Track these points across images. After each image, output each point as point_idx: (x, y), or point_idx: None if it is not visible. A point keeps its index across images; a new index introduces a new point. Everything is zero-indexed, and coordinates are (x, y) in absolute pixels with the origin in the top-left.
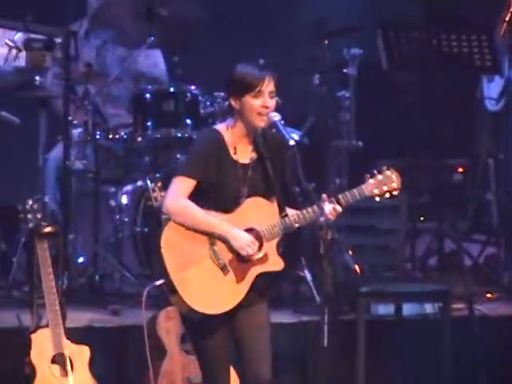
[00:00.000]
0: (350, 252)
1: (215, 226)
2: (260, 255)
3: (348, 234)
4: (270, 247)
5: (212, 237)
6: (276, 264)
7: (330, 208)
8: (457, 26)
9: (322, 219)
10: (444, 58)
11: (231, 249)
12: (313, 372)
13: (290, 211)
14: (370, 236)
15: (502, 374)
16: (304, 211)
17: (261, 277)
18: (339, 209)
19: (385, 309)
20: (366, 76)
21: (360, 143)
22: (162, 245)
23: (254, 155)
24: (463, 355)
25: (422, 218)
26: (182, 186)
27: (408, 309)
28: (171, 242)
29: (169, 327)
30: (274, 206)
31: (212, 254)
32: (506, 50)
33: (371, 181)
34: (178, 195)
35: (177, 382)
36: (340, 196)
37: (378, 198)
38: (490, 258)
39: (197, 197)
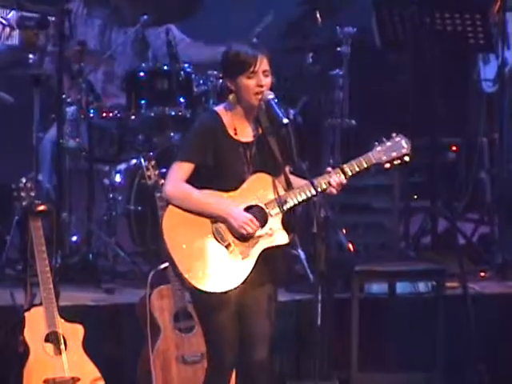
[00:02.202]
0: (344, 231)
1: (213, 208)
2: (264, 231)
3: (342, 212)
4: (275, 222)
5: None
6: (281, 238)
7: (336, 180)
8: (450, 4)
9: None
10: (437, 37)
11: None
12: (306, 350)
13: (298, 183)
14: (363, 215)
15: (495, 351)
16: (310, 181)
17: (268, 253)
18: (344, 180)
19: (378, 287)
20: (360, 54)
21: (353, 122)
22: (163, 229)
23: (257, 133)
24: (456, 333)
25: (415, 197)
26: (179, 171)
27: (401, 287)
28: (173, 226)
29: (162, 305)
30: (278, 180)
31: (215, 232)
32: (500, 28)
33: (379, 148)
34: (176, 180)
35: (171, 361)
36: (345, 166)
37: (387, 165)
38: (483, 237)
39: (201, 180)
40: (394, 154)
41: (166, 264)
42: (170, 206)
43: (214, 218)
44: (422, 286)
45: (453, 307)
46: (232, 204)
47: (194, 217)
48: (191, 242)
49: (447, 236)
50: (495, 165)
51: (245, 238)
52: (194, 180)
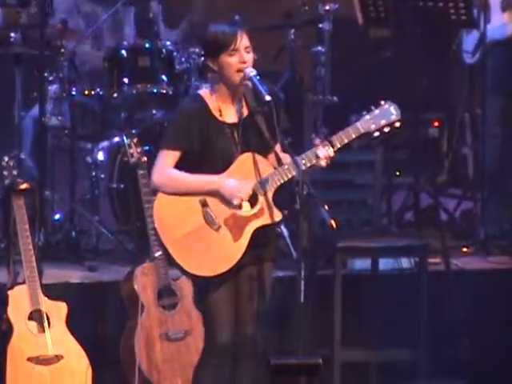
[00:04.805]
0: (326, 207)
1: (203, 184)
2: (255, 210)
3: (324, 189)
4: (266, 200)
5: (203, 199)
6: (273, 216)
7: (324, 153)
8: None
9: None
10: (419, 13)
11: (224, 205)
12: (289, 327)
13: (288, 160)
14: (346, 191)
15: (478, 327)
16: (293, 160)
17: (260, 232)
18: (332, 153)
19: (361, 264)
20: (342, 31)
21: (335, 98)
22: (155, 219)
23: (244, 113)
24: (439, 309)
25: (398, 173)
26: (166, 158)
27: (384, 264)
28: (164, 214)
29: (145, 283)
30: (267, 160)
31: (206, 216)
32: (481, 3)
33: (367, 116)
34: (162, 167)
35: (154, 338)
36: (333, 138)
37: (377, 134)
38: (465, 213)
39: (190, 166)
40: (384, 122)
41: (160, 252)
42: (160, 194)
43: (206, 196)
44: (404, 262)
45: (436, 283)
46: (220, 177)
47: (184, 203)
48: (183, 228)
49: (430, 212)
50: (478, 140)
51: (237, 217)
52: (183, 166)
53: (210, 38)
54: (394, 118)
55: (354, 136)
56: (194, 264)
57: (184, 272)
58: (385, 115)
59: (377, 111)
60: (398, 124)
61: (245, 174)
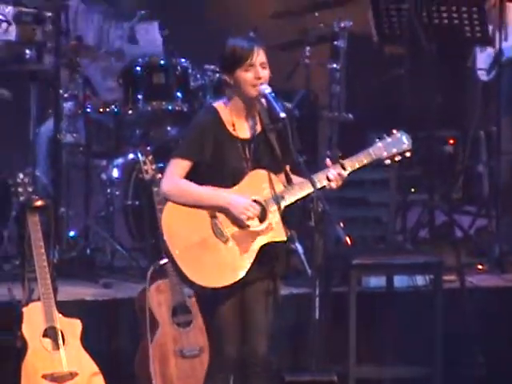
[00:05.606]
0: (341, 224)
1: (211, 199)
2: (263, 226)
3: (339, 206)
4: (275, 217)
5: (212, 211)
6: (281, 234)
7: (334, 174)
8: None
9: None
10: (434, 30)
11: (233, 220)
12: (304, 344)
13: (298, 180)
14: (360, 208)
15: (492, 344)
16: (309, 178)
17: (268, 248)
18: (344, 174)
19: (376, 281)
20: (357, 48)
21: (350, 115)
22: (163, 227)
23: (257, 129)
24: (454, 327)
25: (412, 190)
26: (177, 167)
27: (399, 281)
28: (172, 223)
29: (160, 300)
30: (278, 177)
31: (214, 228)
32: (498, 21)
33: (379, 144)
34: (173, 176)
35: (169, 354)
36: (346, 162)
37: (387, 161)
38: (480, 230)
39: (200, 178)
40: (395, 150)
41: (166, 260)
42: (169, 203)
43: (214, 210)
44: (419, 280)
45: (451, 300)
46: (230, 193)
47: (192, 213)
48: (190, 238)
49: (445, 229)
50: (493, 157)
51: (245, 232)
52: (193, 178)
53: (228, 51)
54: (405, 147)
55: (365, 161)
56: (200, 274)
57: (189, 282)
58: (396, 144)
59: (389, 139)
60: (408, 154)
61: (255, 190)
